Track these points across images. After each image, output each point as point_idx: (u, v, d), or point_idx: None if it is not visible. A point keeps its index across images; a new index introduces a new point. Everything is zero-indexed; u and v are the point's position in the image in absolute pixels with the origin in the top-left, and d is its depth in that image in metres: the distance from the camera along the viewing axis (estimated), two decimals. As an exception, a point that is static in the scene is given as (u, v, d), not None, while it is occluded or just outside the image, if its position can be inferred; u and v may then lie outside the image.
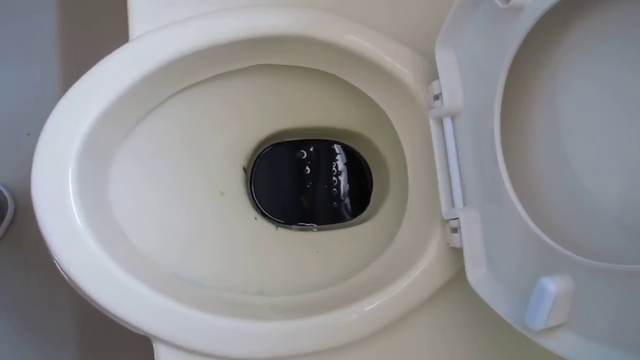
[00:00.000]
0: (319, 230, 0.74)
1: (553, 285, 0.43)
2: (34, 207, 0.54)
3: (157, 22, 0.59)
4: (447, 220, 0.57)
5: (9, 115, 0.97)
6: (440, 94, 0.56)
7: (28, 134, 0.94)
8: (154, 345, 0.56)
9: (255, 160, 0.75)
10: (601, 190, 0.48)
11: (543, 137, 0.52)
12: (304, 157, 0.77)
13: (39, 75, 0.98)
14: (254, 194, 0.75)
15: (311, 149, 0.77)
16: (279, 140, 0.76)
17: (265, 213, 0.74)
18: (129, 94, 0.57)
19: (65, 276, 0.54)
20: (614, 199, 0.48)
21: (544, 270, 0.46)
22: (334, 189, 0.78)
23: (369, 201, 0.77)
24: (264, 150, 0.76)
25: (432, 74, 0.60)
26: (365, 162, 0.78)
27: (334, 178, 0.78)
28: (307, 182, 0.77)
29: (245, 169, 0.72)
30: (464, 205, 0.56)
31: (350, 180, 0.78)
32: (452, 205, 0.57)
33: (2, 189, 0.94)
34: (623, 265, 0.40)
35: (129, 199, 0.62)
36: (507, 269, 0.52)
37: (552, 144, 0.51)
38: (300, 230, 0.73)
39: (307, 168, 0.77)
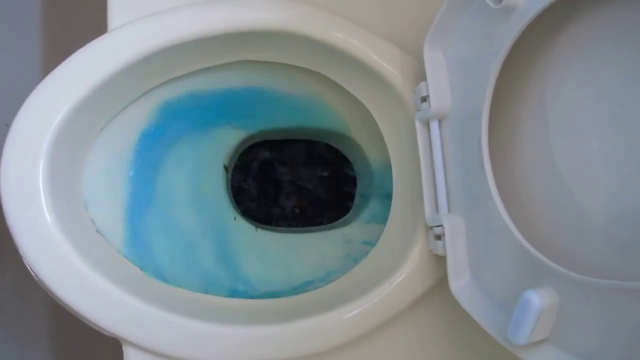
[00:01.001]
0: (300, 232, 0.72)
1: (538, 299, 0.41)
2: (2, 202, 0.52)
3: (137, 13, 0.57)
4: (431, 227, 0.55)
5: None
6: (428, 95, 0.54)
7: (7, 125, 0.91)
8: (123, 348, 0.54)
9: (237, 159, 0.74)
10: (590, 199, 0.47)
11: (532, 143, 0.51)
12: (287, 157, 0.76)
13: (19, 64, 0.95)
14: (234, 194, 0.73)
15: (294, 149, 0.76)
16: (261, 139, 0.74)
17: (245, 213, 0.72)
18: (105, 86, 0.55)
19: (33, 274, 0.53)
20: (603, 209, 0.46)
21: (528, 282, 0.45)
22: (317, 190, 0.76)
23: (352, 204, 0.76)
24: (246, 149, 0.74)
25: (421, 75, 0.58)
26: (350, 164, 0.77)
27: (317, 179, 0.76)
28: (290, 182, 0.76)
29: (226, 168, 0.70)
30: (449, 211, 0.54)
31: (333, 182, 0.76)
32: (437, 211, 0.55)
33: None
34: (609, 280, 0.38)
35: (103, 195, 0.60)
36: (490, 278, 0.50)
37: (540, 150, 0.50)
38: (281, 232, 0.71)
39: (291, 168, 0.76)
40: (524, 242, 0.45)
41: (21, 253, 0.52)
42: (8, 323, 0.92)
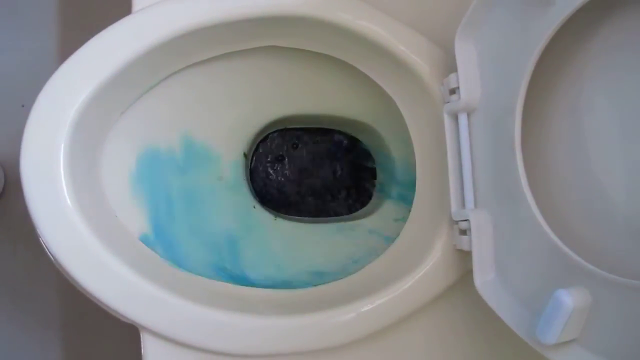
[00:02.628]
0: (319, 222, 0.71)
1: (570, 299, 0.40)
2: (22, 183, 0.51)
3: (162, -5, 0.55)
4: (456, 222, 0.54)
5: (3, 85, 0.93)
6: (457, 87, 0.53)
7: (22, 106, 0.91)
8: (141, 334, 0.54)
9: (257, 147, 0.73)
10: (622, 199, 0.46)
11: (564, 141, 0.50)
12: (308, 146, 0.75)
13: (36, 44, 0.94)
14: (253, 181, 0.72)
15: (315, 138, 0.75)
16: (282, 127, 0.73)
17: (264, 202, 0.71)
18: (128, 69, 0.54)
19: (51, 257, 0.52)
20: (635, 209, 0.45)
21: (559, 281, 0.44)
22: (337, 180, 0.75)
23: (372, 195, 0.75)
24: (266, 136, 0.73)
25: (448, 67, 0.57)
26: (370, 154, 0.76)
27: (337, 169, 0.75)
28: (310, 171, 0.75)
29: (245, 155, 0.69)
30: (475, 206, 0.53)
31: (353, 172, 0.75)
32: (463, 205, 0.54)
33: (-7, 161, 0.91)
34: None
35: (122, 179, 0.60)
36: (518, 276, 0.49)
37: (573, 148, 0.49)
38: (300, 221, 0.71)
39: (310, 157, 0.75)
40: (557, 240, 0.44)
41: (40, 236, 0.51)
42: (20, 306, 0.92)
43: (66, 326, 0.91)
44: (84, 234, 0.51)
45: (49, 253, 0.52)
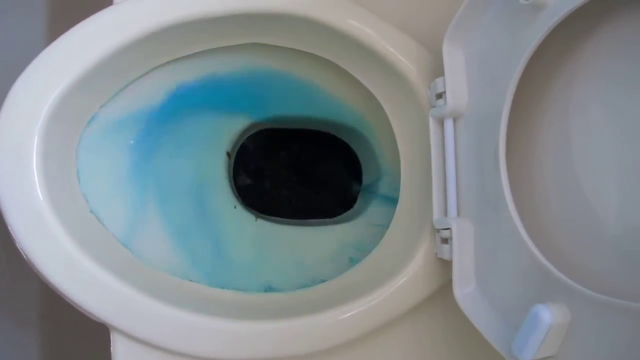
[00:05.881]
0: (300, 225, 0.70)
1: (548, 315, 0.39)
2: (-7, 176, 0.50)
3: (145, -14, 0.54)
4: (438, 230, 0.53)
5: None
6: (444, 92, 0.52)
7: (8, 95, 0.89)
8: (111, 335, 0.52)
9: (240, 146, 0.71)
10: (606, 213, 0.45)
11: (550, 152, 0.48)
12: (292, 147, 0.73)
13: (24, 32, 0.92)
14: (235, 181, 0.71)
15: (300, 139, 0.73)
16: (267, 127, 0.72)
17: (245, 202, 0.70)
18: (107, 62, 0.53)
19: (21, 252, 0.51)
20: (619, 223, 0.44)
21: (538, 295, 0.43)
22: (320, 182, 0.74)
23: (356, 199, 0.73)
24: (250, 135, 0.71)
25: (437, 70, 0.56)
26: (356, 157, 0.74)
27: (322, 171, 0.74)
28: (293, 173, 0.73)
29: (229, 154, 0.68)
30: (458, 214, 0.52)
31: (338, 175, 0.74)
32: (445, 213, 0.53)
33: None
34: (631, 302, 0.36)
35: (98, 175, 0.58)
36: (497, 288, 0.48)
37: (559, 159, 0.48)
38: (282, 224, 0.69)
39: (294, 158, 0.73)
40: (537, 254, 0.43)
41: (10, 230, 0.50)
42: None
43: (43, 322, 0.90)
44: (54, 229, 0.50)
45: (19, 248, 0.51)
